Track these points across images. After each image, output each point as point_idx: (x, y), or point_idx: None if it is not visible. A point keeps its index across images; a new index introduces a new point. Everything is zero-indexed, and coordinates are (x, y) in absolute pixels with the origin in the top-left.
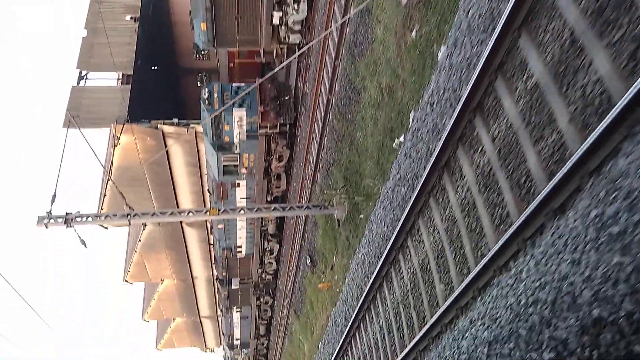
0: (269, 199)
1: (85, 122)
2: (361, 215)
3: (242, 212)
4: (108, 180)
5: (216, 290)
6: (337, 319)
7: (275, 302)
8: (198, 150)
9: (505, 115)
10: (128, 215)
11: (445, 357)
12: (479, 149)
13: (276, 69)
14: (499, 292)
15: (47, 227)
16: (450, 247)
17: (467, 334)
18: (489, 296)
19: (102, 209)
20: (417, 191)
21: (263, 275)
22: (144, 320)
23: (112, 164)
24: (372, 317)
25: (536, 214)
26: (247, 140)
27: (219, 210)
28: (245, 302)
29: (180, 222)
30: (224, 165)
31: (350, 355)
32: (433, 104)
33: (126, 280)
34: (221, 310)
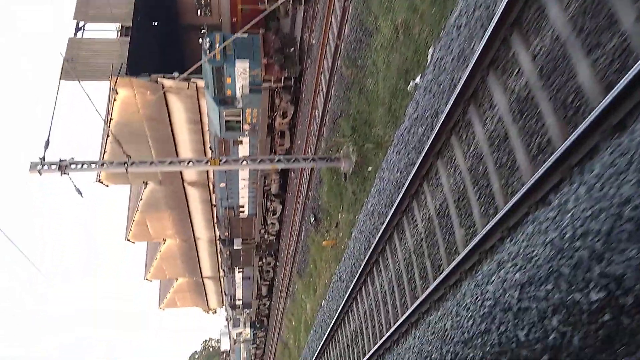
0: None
1: (82, 74)
2: (369, 168)
3: (244, 162)
4: (107, 136)
5: (218, 251)
6: (342, 275)
7: (278, 263)
8: (200, 107)
9: (551, 25)
10: (125, 163)
11: (466, 304)
12: (515, 72)
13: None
14: (536, 229)
15: (40, 174)
16: (474, 187)
17: (493, 278)
18: (522, 234)
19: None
20: (437, 129)
21: (265, 236)
22: (147, 279)
23: (110, 119)
24: (380, 270)
25: (589, 134)
26: (250, 94)
27: (220, 161)
28: (247, 263)
29: (182, 181)
30: (226, 121)
31: (355, 310)
32: (460, 26)
33: (128, 239)
34: (223, 271)
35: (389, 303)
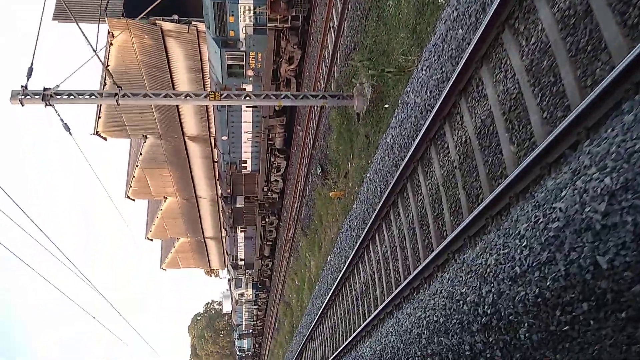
0: (276, 108)
1: (76, 15)
2: (386, 105)
3: (248, 97)
4: (105, 83)
5: (220, 210)
6: (352, 223)
7: (281, 224)
8: (201, 54)
9: None
10: (116, 94)
11: (519, 233)
12: None
13: None
14: (636, 117)
15: (22, 104)
16: (534, 89)
17: (564, 193)
18: (612, 130)
19: (99, 116)
20: (486, 23)
21: (269, 194)
22: (148, 239)
23: (107, 65)
24: (398, 213)
25: None
26: (255, 35)
27: (221, 95)
28: (250, 222)
29: (183, 135)
30: (228, 65)
31: (367, 259)
32: None
33: (128, 197)
34: (225, 230)
35: (407, 247)
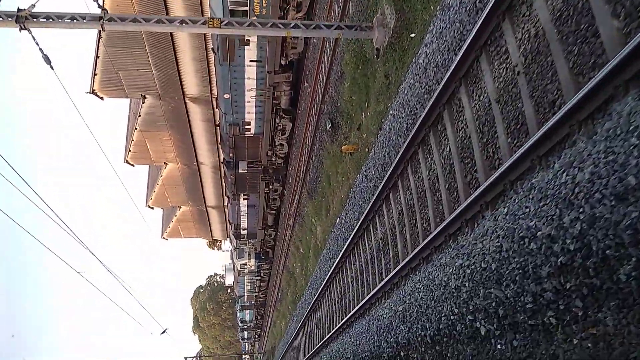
0: (282, 62)
1: None
2: (413, 34)
3: (252, 26)
4: (100, 37)
5: (222, 176)
6: (369, 173)
7: (285, 192)
8: (201, 4)
9: None
10: (101, 18)
11: (554, 186)
12: None
13: None
14: None
15: None
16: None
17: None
18: None
19: (95, 73)
20: None
21: (273, 159)
22: (148, 206)
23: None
24: (429, 150)
25: None
26: None
27: (221, 22)
28: (253, 189)
29: (183, 96)
30: (230, 11)
31: (386, 213)
32: None
33: (127, 162)
34: (227, 198)
35: (441, 189)
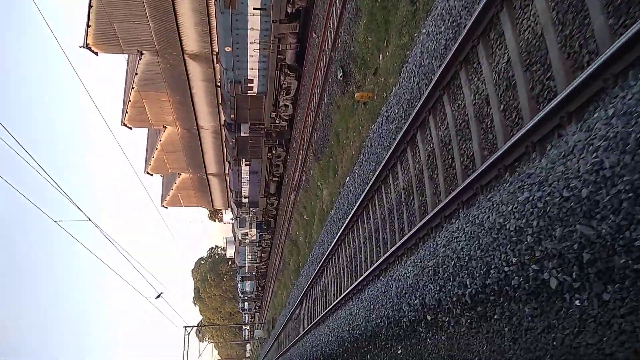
0: (289, 10)
1: None
2: None
3: None
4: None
5: (223, 141)
6: (390, 112)
7: (289, 158)
8: None
9: None
10: None
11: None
12: None
13: None
14: None
15: None
16: None
17: None
18: None
19: (89, 25)
20: None
21: (277, 121)
22: (147, 173)
23: None
24: (472, 73)
25: None
26: None
27: None
28: (255, 154)
29: (182, 53)
30: None
31: (410, 157)
32: None
33: (124, 124)
34: (228, 163)
35: (494, 112)
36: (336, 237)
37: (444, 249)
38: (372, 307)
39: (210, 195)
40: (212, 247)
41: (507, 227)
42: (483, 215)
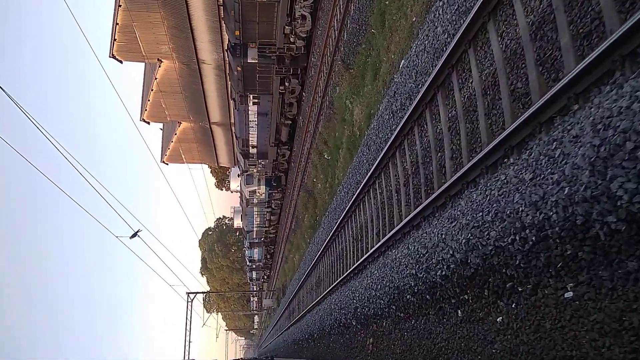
0: None
1: None
2: None
3: None
4: None
5: (227, 73)
6: None
7: (304, 93)
8: None
9: None
10: None
11: None
12: None
13: None
14: None
15: None
16: None
17: None
18: None
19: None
20: None
21: (292, 39)
22: (143, 120)
23: None
24: None
25: None
26: None
27: None
28: (264, 88)
29: None
30: None
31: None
32: None
33: (113, 55)
34: (233, 101)
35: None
36: (381, 153)
37: None
38: (433, 251)
39: (215, 149)
40: (220, 218)
41: None
42: None
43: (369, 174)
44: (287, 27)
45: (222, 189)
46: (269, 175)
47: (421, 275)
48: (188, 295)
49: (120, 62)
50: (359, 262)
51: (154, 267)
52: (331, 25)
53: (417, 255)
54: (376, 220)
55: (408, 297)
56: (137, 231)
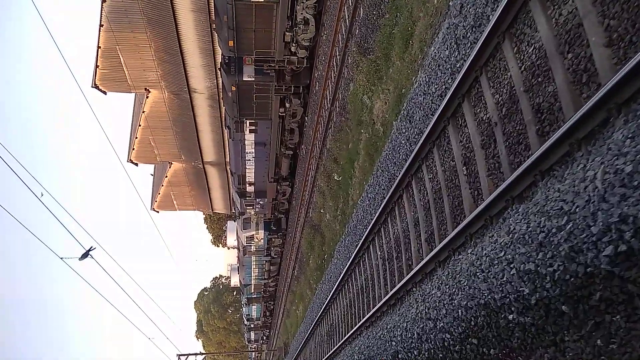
0: None
1: None
2: None
3: None
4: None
5: (221, 97)
6: None
7: (307, 117)
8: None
9: None
10: None
11: None
12: None
13: None
14: None
15: None
16: None
17: None
18: None
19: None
20: None
21: (292, 48)
22: (131, 161)
23: None
24: None
25: None
26: None
27: None
28: (262, 111)
29: None
30: None
31: None
32: None
33: (95, 86)
34: (228, 130)
35: None
36: (421, 139)
37: None
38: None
39: (209, 192)
40: (216, 277)
41: None
42: None
43: (390, 191)
44: (287, 33)
45: (218, 246)
46: (268, 217)
47: None
48: (179, 358)
49: (104, 93)
50: (398, 287)
51: (146, 332)
52: (343, 4)
53: None
54: (403, 243)
55: None
56: (90, 248)
